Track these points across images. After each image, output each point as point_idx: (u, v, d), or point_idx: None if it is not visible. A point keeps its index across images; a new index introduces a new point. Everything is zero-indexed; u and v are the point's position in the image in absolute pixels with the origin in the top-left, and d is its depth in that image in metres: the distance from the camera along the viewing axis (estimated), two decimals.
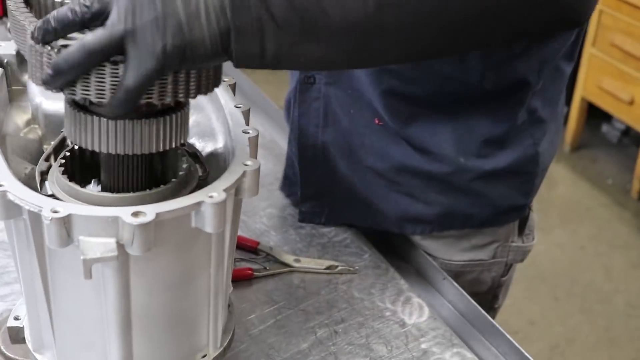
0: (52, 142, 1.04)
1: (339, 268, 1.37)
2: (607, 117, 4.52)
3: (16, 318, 1.04)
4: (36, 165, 1.01)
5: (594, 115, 4.47)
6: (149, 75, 0.81)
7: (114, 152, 0.87)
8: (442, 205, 1.41)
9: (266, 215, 1.50)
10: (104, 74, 0.81)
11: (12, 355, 1.08)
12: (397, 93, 1.32)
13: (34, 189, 0.88)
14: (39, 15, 1.06)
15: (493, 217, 1.46)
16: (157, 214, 0.82)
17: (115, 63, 0.81)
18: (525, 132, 1.37)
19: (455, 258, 1.48)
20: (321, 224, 1.49)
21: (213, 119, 1.07)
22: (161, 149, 0.88)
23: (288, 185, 1.55)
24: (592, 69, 4.23)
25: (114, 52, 0.81)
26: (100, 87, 0.81)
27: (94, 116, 0.85)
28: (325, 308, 1.29)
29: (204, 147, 1.05)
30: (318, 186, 1.47)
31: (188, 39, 0.82)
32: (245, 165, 0.91)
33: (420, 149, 1.37)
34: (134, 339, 0.92)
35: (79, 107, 0.87)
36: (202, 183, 0.97)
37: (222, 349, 1.03)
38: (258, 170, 0.91)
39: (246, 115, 1.02)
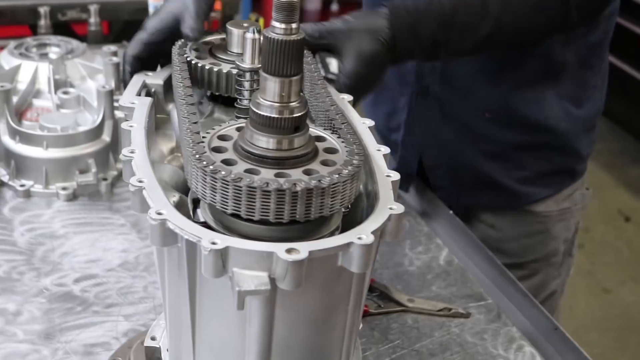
0: None
1: (452, 311, 1.38)
2: None
3: (153, 338, 1.08)
4: (182, 193, 1.05)
5: None
6: None
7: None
8: (552, 166, 1.73)
9: (379, 252, 1.52)
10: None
11: None
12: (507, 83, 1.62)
13: (186, 216, 0.92)
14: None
15: (582, 168, 1.79)
16: (310, 252, 0.85)
17: None
18: (596, 89, 1.72)
19: (553, 208, 1.78)
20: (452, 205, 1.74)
21: None
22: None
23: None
24: None
25: None
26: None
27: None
28: (439, 350, 1.31)
29: None
30: (446, 178, 1.76)
31: None
32: (391, 209, 0.93)
33: (529, 126, 1.66)
34: None
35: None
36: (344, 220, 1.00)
37: None
38: (402, 214, 0.94)
39: (386, 158, 1.05)
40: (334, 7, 5.17)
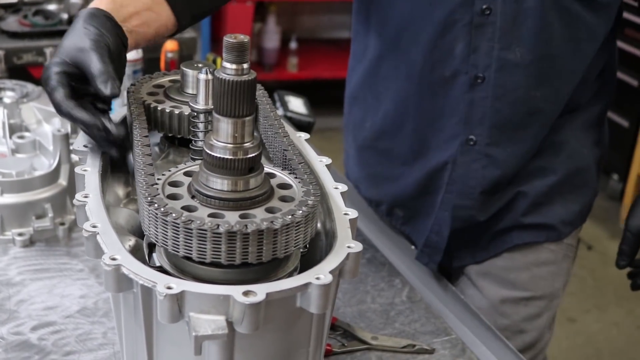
0: None
1: (417, 347, 1.37)
2: None
3: None
4: (138, 237, 1.04)
5: None
6: None
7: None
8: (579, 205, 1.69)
9: (341, 290, 1.51)
10: None
11: None
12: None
13: (141, 260, 0.91)
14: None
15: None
16: (267, 294, 0.84)
17: None
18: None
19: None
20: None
21: None
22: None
23: (428, 253, 1.67)
24: None
25: None
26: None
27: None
28: None
29: None
30: (466, 241, 1.67)
31: None
32: (349, 247, 0.93)
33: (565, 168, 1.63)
34: None
35: None
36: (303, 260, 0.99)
37: None
38: (360, 252, 0.93)
39: (344, 196, 1.05)
40: (293, 45, 5.19)
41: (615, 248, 1.62)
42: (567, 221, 1.67)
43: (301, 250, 1.00)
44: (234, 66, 0.87)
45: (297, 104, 2.20)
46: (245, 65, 0.87)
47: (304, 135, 1.21)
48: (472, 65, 1.49)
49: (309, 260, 1.00)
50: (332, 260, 0.91)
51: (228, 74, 0.87)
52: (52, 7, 2.76)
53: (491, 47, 1.47)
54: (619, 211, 4.37)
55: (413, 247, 1.72)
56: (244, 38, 0.87)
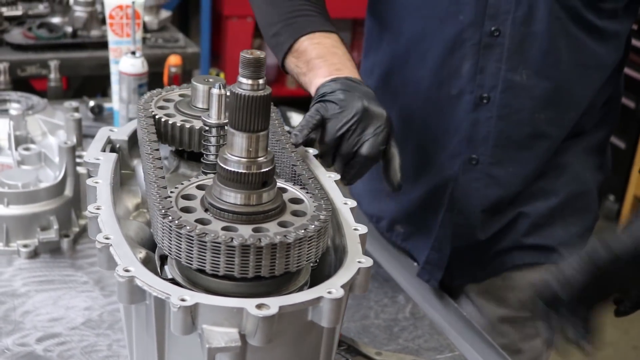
0: None
1: None
2: None
3: None
4: (148, 249, 1.04)
5: None
6: None
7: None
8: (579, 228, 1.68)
9: None
10: None
11: None
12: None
13: (154, 272, 0.91)
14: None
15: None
16: (280, 307, 0.85)
17: None
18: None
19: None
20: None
21: None
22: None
23: (429, 270, 1.68)
24: None
25: None
26: None
27: None
28: None
29: None
30: (466, 260, 1.67)
31: None
32: (360, 262, 0.94)
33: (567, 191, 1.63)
34: None
35: None
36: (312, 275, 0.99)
37: None
38: (370, 268, 0.94)
39: (353, 212, 1.06)
40: None
41: None
42: (567, 243, 1.67)
43: (311, 264, 1.01)
44: (250, 81, 0.88)
45: (299, 120, 2.21)
46: (261, 81, 0.89)
47: (312, 151, 1.22)
48: (478, 86, 1.51)
49: (318, 275, 1.01)
50: (344, 275, 0.92)
51: (244, 89, 0.88)
52: (56, 20, 2.78)
53: (498, 68, 1.48)
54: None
55: (415, 264, 1.73)
56: (260, 54, 0.88)
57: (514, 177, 1.58)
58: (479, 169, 1.56)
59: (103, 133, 1.22)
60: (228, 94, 0.91)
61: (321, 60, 1.41)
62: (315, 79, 1.40)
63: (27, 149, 1.71)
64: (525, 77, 1.48)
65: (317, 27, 1.46)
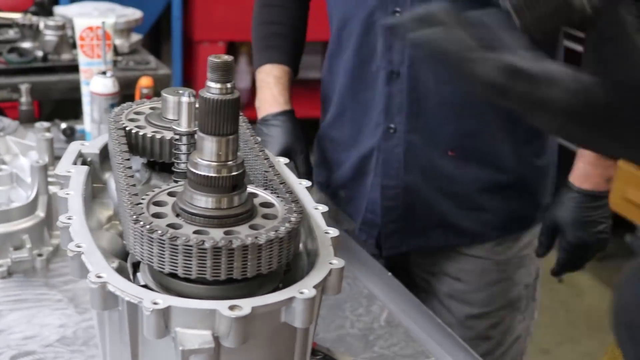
0: None
1: None
2: (631, 227, 4.54)
3: None
4: (120, 259, 1.05)
5: (619, 225, 4.49)
6: None
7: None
8: (508, 210, 1.79)
9: (319, 316, 1.52)
10: None
11: None
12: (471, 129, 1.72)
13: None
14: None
15: (540, 216, 1.82)
16: (253, 308, 0.85)
17: None
18: (549, 140, 1.82)
19: (514, 254, 1.85)
20: (401, 254, 1.85)
21: None
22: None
23: (366, 230, 1.85)
24: (617, 181, 4.28)
25: None
26: None
27: None
28: None
29: None
30: (398, 222, 1.80)
31: None
32: (331, 263, 0.95)
33: (489, 166, 1.74)
34: None
35: None
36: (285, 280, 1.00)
37: None
38: (343, 268, 0.95)
39: (325, 216, 1.07)
40: None
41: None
42: (496, 225, 1.81)
43: (284, 269, 1.01)
44: (218, 85, 0.89)
45: None
46: (229, 85, 0.90)
47: (283, 160, 1.23)
48: (389, 62, 1.71)
49: (291, 280, 1.01)
50: (315, 276, 0.92)
51: (212, 93, 0.89)
52: (26, 44, 2.77)
53: (404, 45, 1.65)
54: None
55: (389, 274, 1.74)
56: (228, 58, 0.89)
57: (430, 145, 1.73)
58: (397, 136, 1.74)
59: (74, 147, 1.22)
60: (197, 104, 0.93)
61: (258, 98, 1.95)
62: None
63: None
64: None
65: (266, 60, 1.93)
